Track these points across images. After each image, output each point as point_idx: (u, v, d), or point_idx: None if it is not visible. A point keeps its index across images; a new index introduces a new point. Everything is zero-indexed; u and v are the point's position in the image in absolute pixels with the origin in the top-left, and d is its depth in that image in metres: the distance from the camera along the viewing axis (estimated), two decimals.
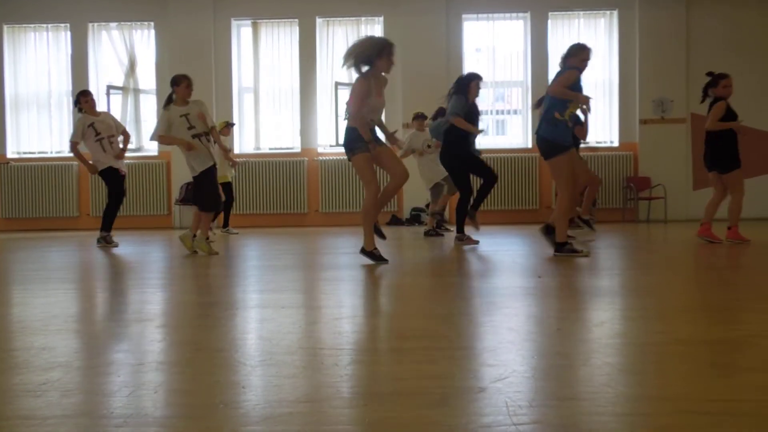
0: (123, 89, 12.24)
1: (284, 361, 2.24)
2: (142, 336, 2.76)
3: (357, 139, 5.18)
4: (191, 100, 6.65)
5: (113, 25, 12.31)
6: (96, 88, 12.27)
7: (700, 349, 2.36)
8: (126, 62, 12.30)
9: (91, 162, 7.70)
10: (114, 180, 7.59)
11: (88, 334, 2.81)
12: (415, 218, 11.44)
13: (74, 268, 5.70)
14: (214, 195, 6.50)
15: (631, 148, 11.94)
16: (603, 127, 12.02)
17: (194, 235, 6.34)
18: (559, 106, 5.39)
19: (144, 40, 12.38)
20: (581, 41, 5.75)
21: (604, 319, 3.02)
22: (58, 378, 2.05)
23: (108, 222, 7.56)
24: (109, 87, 12.17)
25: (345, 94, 12.08)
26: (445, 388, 1.89)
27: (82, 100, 7.68)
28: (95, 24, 12.27)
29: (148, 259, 6.29)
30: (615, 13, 11.90)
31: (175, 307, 3.60)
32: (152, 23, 12.20)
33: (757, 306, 3.32)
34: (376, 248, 5.29)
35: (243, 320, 3.10)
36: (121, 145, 7.75)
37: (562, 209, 5.55)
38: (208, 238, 6.47)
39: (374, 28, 12.16)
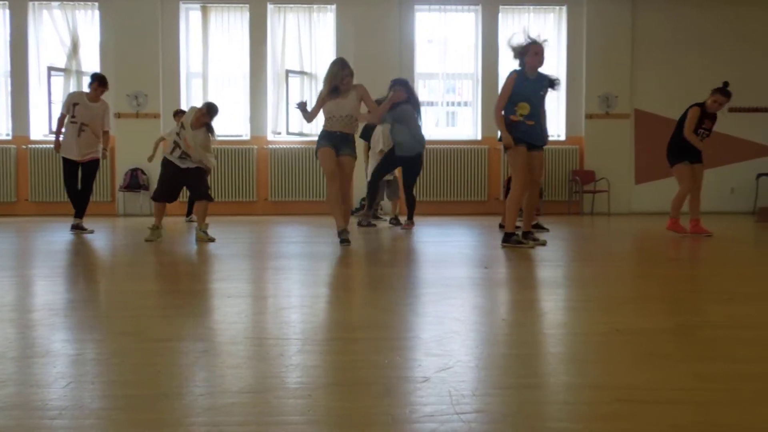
0: (65, 71, 11.86)
1: (228, 351, 2.21)
2: (81, 326, 2.68)
3: (319, 137, 6.11)
4: (200, 131, 6.59)
5: (55, 3, 11.90)
6: (37, 69, 11.87)
7: (640, 338, 2.42)
8: (68, 43, 11.91)
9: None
10: (65, 169, 7.60)
11: (23, 324, 2.71)
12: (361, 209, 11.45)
13: (10, 255, 5.51)
14: (161, 187, 6.54)
15: (577, 142, 12.19)
16: (551, 122, 12.21)
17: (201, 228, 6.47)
18: (508, 110, 5.66)
19: (88, 21, 12.02)
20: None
21: (548, 309, 3.07)
22: None
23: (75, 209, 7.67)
24: (50, 68, 11.78)
25: (295, 82, 12.00)
26: (390, 378, 1.89)
27: (93, 85, 7.58)
28: (36, 2, 11.85)
29: (90, 247, 6.13)
30: (564, 8, 12.10)
31: (116, 296, 3.52)
32: (96, 3, 11.85)
33: (693, 297, 3.43)
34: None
35: (186, 310, 3.04)
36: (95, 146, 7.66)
37: (513, 199, 5.71)
38: (157, 227, 6.50)
39: (326, 17, 12.08)
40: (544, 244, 5.82)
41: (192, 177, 6.52)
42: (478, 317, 2.85)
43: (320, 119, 6.25)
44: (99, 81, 7.60)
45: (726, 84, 6.99)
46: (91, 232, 7.46)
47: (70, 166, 7.60)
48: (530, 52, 5.60)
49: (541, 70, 5.75)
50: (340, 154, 6.01)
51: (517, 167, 5.68)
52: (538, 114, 5.74)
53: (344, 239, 5.81)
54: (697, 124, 6.96)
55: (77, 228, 7.49)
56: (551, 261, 4.95)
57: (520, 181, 5.68)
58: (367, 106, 6.17)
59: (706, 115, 6.98)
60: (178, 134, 6.50)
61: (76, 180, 7.63)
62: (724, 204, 12.03)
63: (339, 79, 5.95)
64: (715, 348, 2.30)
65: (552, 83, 5.97)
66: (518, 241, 5.62)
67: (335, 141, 6.00)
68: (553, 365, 2.10)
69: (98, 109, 7.62)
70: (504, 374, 1.97)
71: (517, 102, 5.62)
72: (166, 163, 6.55)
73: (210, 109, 6.59)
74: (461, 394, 1.74)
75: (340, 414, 1.63)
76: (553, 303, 3.23)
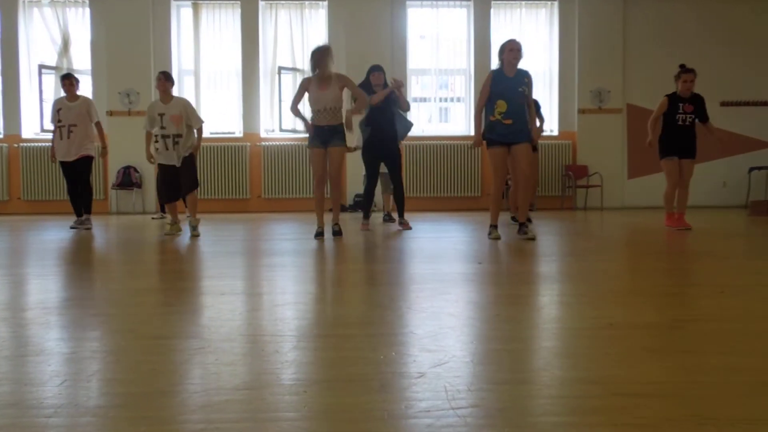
0: (56, 69, 11.81)
1: (223, 349, 2.21)
2: (76, 324, 2.68)
3: (309, 135, 6.23)
4: (174, 100, 6.78)
5: (45, 2, 11.84)
6: (27, 67, 11.82)
7: (632, 333, 2.43)
8: (59, 41, 11.85)
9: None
10: (63, 173, 7.86)
11: (17, 323, 2.71)
12: (358, 204, 11.44)
13: (3, 254, 5.49)
14: (161, 188, 6.90)
15: (570, 137, 12.21)
16: (543, 116, 12.23)
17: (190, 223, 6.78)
18: (489, 110, 5.98)
19: (78, 19, 11.96)
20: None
21: (542, 304, 3.08)
22: None
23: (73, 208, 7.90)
24: (41, 66, 11.72)
25: (287, 79, 11.97)
26: (385, 374, 1.90)
27: (63, 85, 7.79)
28: (26, 0, 11.78)
29: (83, 245, 6.11)
30: (555, 4, 12.11)
31: (110, 294, 3.51)
32: (87, 1, 11.79)
33: (686, 291, 3.45)
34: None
35: (181, 307, 3.04)
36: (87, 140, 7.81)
37: (491, 196, 6.25)
38: (175, 222, 6.96)
39: (318, 13, 12.05)
40: (533, 238, 5.87)
41: (182, 170, 6.72)
42: (473, 312, 2.86)
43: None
44: (65, 78, 7.77)
45: (682, 65, 7.15)
46: (73, 228, 7.61)
47: (64, 169, 7.77)
48: (506, 50, 5.92)
49: (522, 66, 6.01)
50: (329, 145, 6.20)
51: (492, 168, 6.06)
52: (517, 112, 5.89)
53: (318, 234, 6.20)
54: (671, 111, 7.04)
55: (79, 225, 7.71)
56: (545, 256, 4.97)
57: (495, 181, 6.08)
58: (352, 94, 6.38)
59: (682, 101, 7.04)
60: (163, 127, 6.63)
61: (74, 182, 7.78)
62: (717, 198, 12.10)
63: (318, 64, 6.10)
64: (707, 341, 2.32)
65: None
66: (490, 233, 6.04)
67: (324, 136, 6.18)
68: (547, 360, 2.11)
69: (80, 106, 7.73)
70: (499, 369, 1.98)
71: (495, 100, 5.88)
72: (160, 168, 6.79)
73: (164, 73, 6.77)
74: (456, 390, 1.75)
75: (335, 410, 1.64)
76: (546, 298, 3.24)
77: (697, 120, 7.06)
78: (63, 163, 7.72)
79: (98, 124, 7.84)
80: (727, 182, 12.26)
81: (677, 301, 3.16)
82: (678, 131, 7.02)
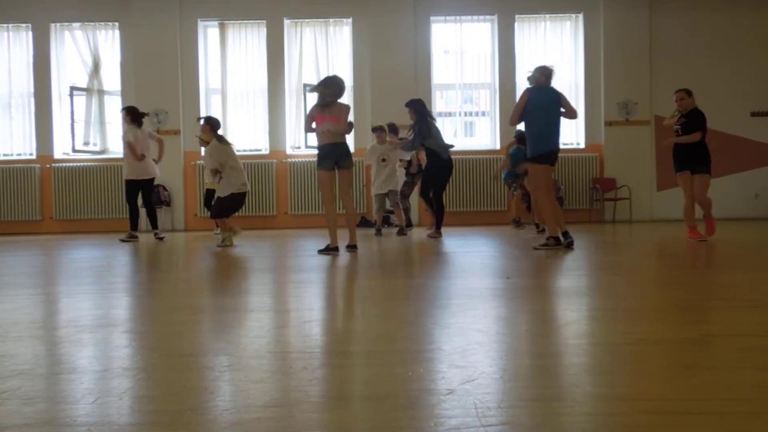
0: (87, 90, 12.04)
1: (252, 366, 2.22)
2: (107, 342, 2.71)
3: (321, 156, 6.22)
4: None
5: (76, 25, 12.11)
6: (58, 89, 12.06)
7: (663, 348, 2.39)
8: (90, 63, 12.10)
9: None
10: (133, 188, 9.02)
11: (50, 341, 2.75)
12: (384, 220, 11.43)
13: (36, 273, 5.58)
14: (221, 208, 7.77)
15: (597, 150, 12.11)
16: (569, 129, 12.16)
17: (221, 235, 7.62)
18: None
19: (108, 41, 12.20)
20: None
21: (571, 319, 3.05)
22: (19, 386, 2.00)
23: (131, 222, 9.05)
24: (72, 88, 11.96)
25: (313, 96, 12.05)
26: (414, 391, 1.89)
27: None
28: (58, 24, 12.07)
29: (113, 263, 6.20)
30: (580, 16, 12.06)
31: (140, 312, 3.55)
32: (117, 23, 12.03)
33: (718, 305, 3.39)
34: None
35: (210, 324, 3.07)
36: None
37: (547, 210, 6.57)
38: (232, 232, 7.71)
39: (342, 30, 12.16)
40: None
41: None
42: (501, 328, 2.84)
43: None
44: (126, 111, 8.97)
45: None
46: (133, 239, 8.79)
47: (134, 187, 8.96)
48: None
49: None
50: (341, 167, 6.22)
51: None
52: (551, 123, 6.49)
53: (325, 250, 6.16)
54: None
55: (129, 238, 8.80)
56: (573, 270, 4.93)
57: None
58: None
59: (681, 116, 7.23)
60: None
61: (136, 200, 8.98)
62: (749, 210, 11.88)
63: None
64: (741, 357, 2.27)
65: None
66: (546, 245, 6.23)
67: (336, 156, 6.17)
68: (578, 376, 2.08)
69: (146, 134, 9.04)
70: (529, 386, 1.96)
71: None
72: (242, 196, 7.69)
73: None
74: (486, 407, 1.73)
75: (364, 427, 1.64)
76: (576, 313, 3.21)
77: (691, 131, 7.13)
78: (132, 181, 8.85)
79: (159, 141, 9.11)
80: (760, 194, 12.05)
81: (709, 315, 3.11)
82: (677, 144, 7.23)
